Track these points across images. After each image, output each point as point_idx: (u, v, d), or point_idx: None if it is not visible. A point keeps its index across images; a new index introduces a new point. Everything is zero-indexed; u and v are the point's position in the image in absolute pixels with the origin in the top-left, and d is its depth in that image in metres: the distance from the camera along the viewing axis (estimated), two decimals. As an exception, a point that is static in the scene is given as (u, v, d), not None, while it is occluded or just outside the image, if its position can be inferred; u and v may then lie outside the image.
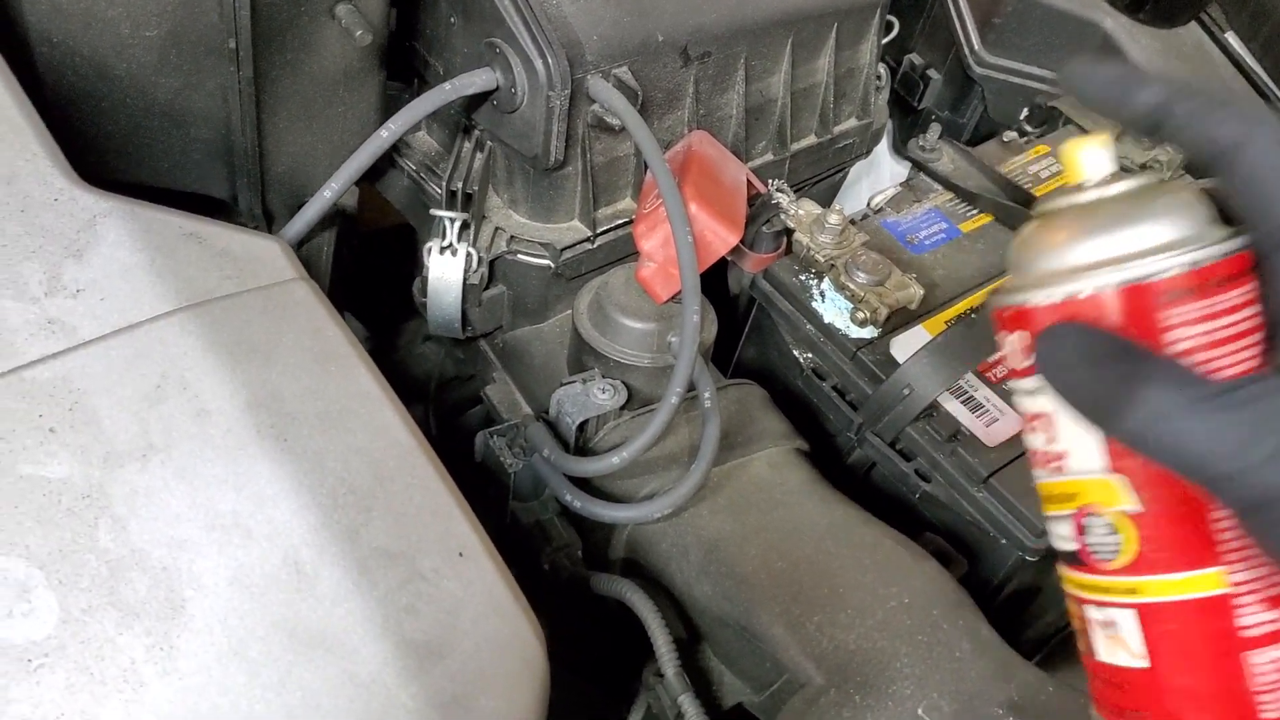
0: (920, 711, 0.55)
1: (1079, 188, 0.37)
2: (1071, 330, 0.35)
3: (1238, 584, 0.35)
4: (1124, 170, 0.37)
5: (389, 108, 0.74)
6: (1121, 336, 0.34)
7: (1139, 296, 0.34)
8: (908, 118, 1.16)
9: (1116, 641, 0.37)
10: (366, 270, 0.96)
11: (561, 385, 0.73)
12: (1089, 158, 0.37)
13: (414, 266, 0.80)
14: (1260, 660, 0.35)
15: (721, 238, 0.74)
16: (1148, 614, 0.36)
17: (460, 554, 0.48)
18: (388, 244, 1.00)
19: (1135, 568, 0.36)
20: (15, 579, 0.40)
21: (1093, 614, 0.38)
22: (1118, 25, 1.01)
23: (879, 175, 1.16)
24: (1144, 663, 0.37)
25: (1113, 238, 0.35)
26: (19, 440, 0.43)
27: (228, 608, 0.42)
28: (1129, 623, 0.37)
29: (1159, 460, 0.33)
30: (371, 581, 0.45)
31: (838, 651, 0.59)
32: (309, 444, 0.48)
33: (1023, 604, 0.77)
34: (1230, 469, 0.31)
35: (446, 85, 0.69)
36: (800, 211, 0.81)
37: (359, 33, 0.66)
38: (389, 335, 1.05)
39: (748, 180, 0.83)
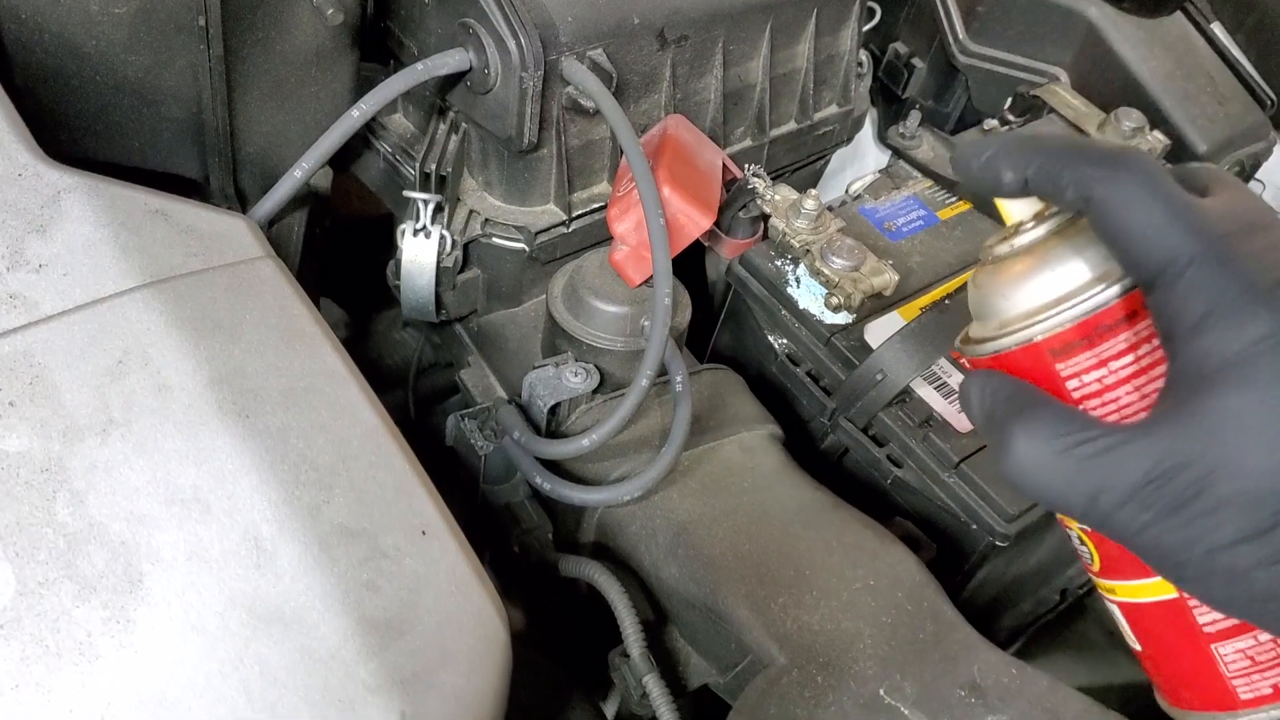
0: (882, 692, 0.55)
1: (1012, 233, 0.39)
2: (975, 378, 0.39)
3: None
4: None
5: (364, 88, 0.73)
6: (1017, 382, 0.37)
7: (1034, 355, 0.37)
8: (892, 106, 1.16)
9: (1123, 630, 0.42)
10: (347, 257, 0.96)
11: (534, 368, 0.73)
12: (1013, 206, 0.39)
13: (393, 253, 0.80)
14: (1226, 651, 0.39)
15: (694, 221, 0.74)
16: (1128, 611, 0.41)
17: (423, 532, 0.48)
18: (370, 231, 1.00)
19: (1105, 572, 0.41)
20: (-30, 551, 0.40)
21: (1108, 607, 0.43)
22: (1102, 14, 1.00)
23: (863, 164, 1.16)
24: (1139, 647, 0.42)
25: (1009, 299, 0.38)
26: (-24, 414, 0.43)
27: (186, 582, 0.42)
28: (1119, 616, 0.42)
29: (1032, 499, 0.37)
30: (332, 558, 0.45)
31: (801, 632, 0.59)
32: (271, 420, 0.48)
33: (997, 590, 0.77)
34: (1090, 515, 0.34)
35: (418, 65, 0.69)
36: (776, 197, 0.81)
37: (330, 11, 0.65)
38: (368, 322, 1.05)
39: (724, 165, 0.83)
